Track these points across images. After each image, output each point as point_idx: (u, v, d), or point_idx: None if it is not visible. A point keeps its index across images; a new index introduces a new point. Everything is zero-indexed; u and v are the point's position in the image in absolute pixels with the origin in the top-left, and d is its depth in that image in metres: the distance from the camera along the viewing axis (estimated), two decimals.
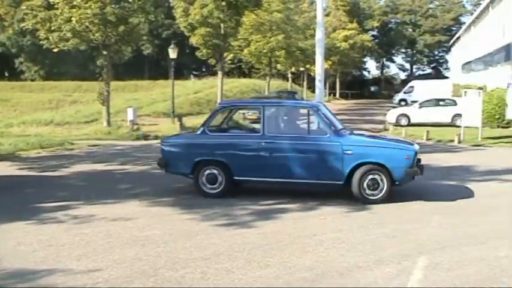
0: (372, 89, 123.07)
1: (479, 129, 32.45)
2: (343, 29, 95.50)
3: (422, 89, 63.92)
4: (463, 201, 15.00)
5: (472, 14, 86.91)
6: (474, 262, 9.69)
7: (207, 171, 15.27)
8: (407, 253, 10.14)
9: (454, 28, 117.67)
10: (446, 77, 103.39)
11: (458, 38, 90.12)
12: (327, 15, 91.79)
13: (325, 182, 14.90)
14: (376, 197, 14.48)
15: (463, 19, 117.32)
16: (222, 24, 44.80)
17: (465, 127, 32.93)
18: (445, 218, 13.01)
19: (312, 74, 65.13)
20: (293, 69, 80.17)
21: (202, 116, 49.72)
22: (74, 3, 34.67)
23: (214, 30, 44.47)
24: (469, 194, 15.83)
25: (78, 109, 52.55)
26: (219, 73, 47.78)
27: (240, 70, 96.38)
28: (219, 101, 46.35)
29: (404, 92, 73.86)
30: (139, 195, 15.40)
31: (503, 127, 38.48)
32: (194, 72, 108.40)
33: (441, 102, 45.22)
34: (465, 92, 34.83)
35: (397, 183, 14.65)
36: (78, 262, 9.55)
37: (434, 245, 10.71)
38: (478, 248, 10.54)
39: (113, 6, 35.46)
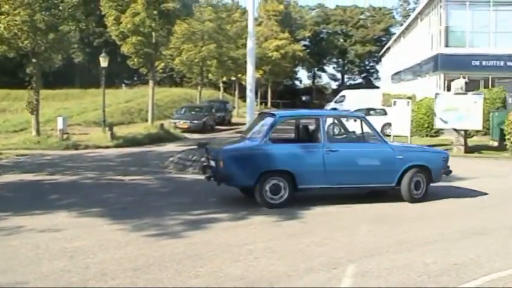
0: (304, 98, 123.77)
1: (409, 138, 32.97)
2: (275, 38, 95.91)
3: (353, 99, 64.58)
4: (393, 208, 15.25)
5: (401, 25, 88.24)
6: (402, 269, 9.83)
7: (272, 182, 15.14)
8: (337, 261, 10.23)
9: (384, 39, 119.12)
10: (377, 87, 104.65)
11: (389, 48, 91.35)
12: (259, 24, 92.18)
13: (383, 185, 16.41)
14: (419, 196, 16.21)
15: (393, 30, 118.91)
16: (153, 33, 44.64)
17: (395, 136, 33.35)
18: (374, 225, 13.19)
19: (243, 83, 65.20)
20: (225, 79, 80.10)
21: (133, 125, 49.57)
22: (2, 9, 34.09)
23: (145, 39, 44.22)
24: (398, 201, 16.04)
25: (6, 118, 51.68)
26: (150, 82, 47.54)
27: (171, 79, 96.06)
28: (150, 111, 46.21)
29: (336, 102, 74.38)
30: (69, 206, 15.16)
31: (432, 136, 39.20)
32: (125, 81, 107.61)
33: (371, 112, 45.69)
34: (394, 101, 35.39)
35: (433, 183, 16.62)
36: (4, 275, 9.36)
37: (364, 252, 10.84)
38: (406, 255, 10.71)
39: (43, 13, 34.97)
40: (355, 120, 17.39)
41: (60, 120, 39.27)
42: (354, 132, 17.75)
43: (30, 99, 37.00)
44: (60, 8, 35.96)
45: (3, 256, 10.45)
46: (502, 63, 45.13)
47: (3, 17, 33.98)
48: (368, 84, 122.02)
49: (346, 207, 15.27)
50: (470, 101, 30.76)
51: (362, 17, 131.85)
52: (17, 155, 29.94)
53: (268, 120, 16.35)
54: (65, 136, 36.44)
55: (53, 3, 35.90)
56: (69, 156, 29.76)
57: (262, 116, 18.14)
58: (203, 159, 18.84)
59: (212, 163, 15.96)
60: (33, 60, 36.32)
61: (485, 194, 17.91)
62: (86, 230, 12.47)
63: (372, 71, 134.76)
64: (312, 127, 16.87)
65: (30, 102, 36.89)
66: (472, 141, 34.11)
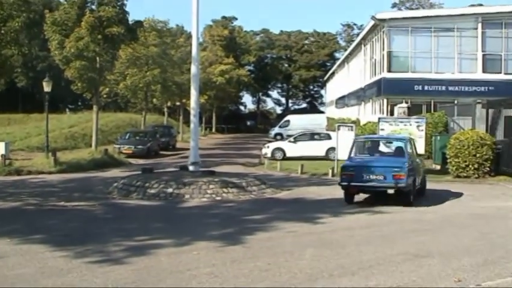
0: (248, 123, 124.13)
1: None
2: (220, 63, 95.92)
3: (298, 123, 65.07)
4: (336, 233, 15.36)
5: (345, 50, 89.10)
6: None
7: None
8: (281, 286, 10.29)
9: (328, 64, 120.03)
10: (322, 112, 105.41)
11: (333, 73, 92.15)
12: (204, 49, 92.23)
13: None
14: None
15: (337, 55, 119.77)
16: (97, 58, 44.33)
17: (339, 160, 33.60)
18: (318, 250, 13.23)
19: (188, 108, 65.15)
20: (169, 104, 79.97)
21: (77, 150, 49.10)
22: None
23: (89, 63, 43.87)
24: (342, 226, 16.19)
25: None
26: (95, 107, 47.20)
27: (116, 104, 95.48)
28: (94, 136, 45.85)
29: (280, 126, 74.89)
30: (10, 233, 14.98)
31: None
32: (70, 106, 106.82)
33: (316, 136, 46.07)
34: (338, 126, 35.69)
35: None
36: None
37: (307, 276, 10.92)
38: (349, 279, 10.82)
39: None
40: (413, 141, 24.80)
41: (2, 145, 38.77)
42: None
43: None
44: (3, 31, 35.60)
45: None
46: (443, 88, 45.80)
47: None
48: (313, 109, 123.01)
49: (289, 232, 15.36)
50: (413, 125, 31.23)
51: (306, 42, 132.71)
52: None
53: None
54: (7, 162, 35.93)
55: None
56: (12, 182, 29.37)
57: None
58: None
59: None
60: None
61: (426, 217, 18.17)
62: (28, 257, 12.35)
63: (316, 95, 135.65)
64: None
65: None
66: None
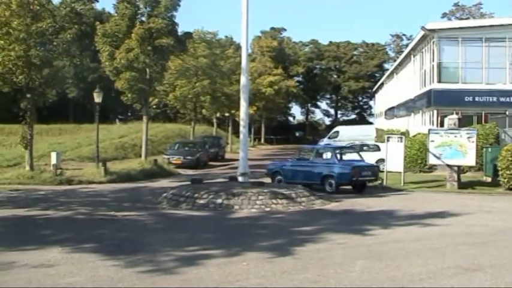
0: (297, 134, 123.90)
1: (402, 174, 33.03)
2: (269, 74, 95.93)
3: (347, 134, 64.70)
4: (385, 245, 15.20)
5: (395, 61, 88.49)
6: None
7: None
8: None
9: (377, 74, 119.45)
10: (371, 123, 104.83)
11: (382, 84, 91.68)
12: (253, 60, 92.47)
13: None
14: None
15: (386, 66, 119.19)
16: (147, 69, 44.65)
17: (388, 172, 33.43)
18: (368, 262, 13.11)
19: (237, 119, 65.23)
20: (218, 115, 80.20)
21: (127, 160, 49.49)
22: None
23: (139, 74, 44.22)
24: (391, 238, 16.05)
25: (0, 152, 51.62)
26: (144, 118, 47.50)
27: (165, 115, 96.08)
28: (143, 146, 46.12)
29: (329, 137, 74.51)
30: (62, 242, 15.13)
31: (425, 172, 39.22)
32: (120, 117, 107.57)
33: (365, 147, 45.74)
34: (388, 137, 35.45)
35: None
36: None
37: None
38: None
39: (38, 48, 35.18)
40: None
41: (54, 155, 39.32)
42: None
43: (24, 134, 36.97)
44: (55, 43, 36.12)
45: None
46: (494, 99, 45.25)
47: None
48: (361, 120, 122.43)
49: (339, 243, 15.26)
50: (464, 137, 30.92)
51: (355, 53, 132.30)
52: (10, 190, 29.94)
53: None
54: (58, 171, 36.37)
55: (48, 39, 36.04)
56: (63, 192, 29.73)
57: None
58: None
59: None
60: (28, 95, 36.36)
61: (477, 230, 17.92)
62: (79, 266, 12.44)
63: (365, 106, 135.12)
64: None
65: (24, 137, 36.87)
66: (466, 176, 34.15)
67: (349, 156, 33.36)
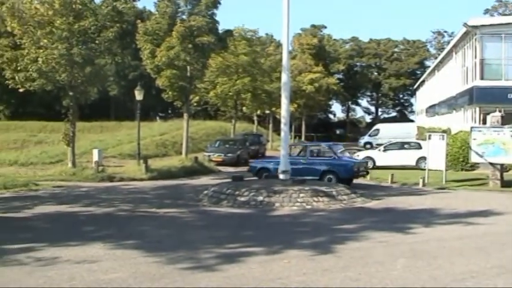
0: (338, 131, 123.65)
1: (444, 172, 32.73)
2: (309, 72, 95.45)
3: (388, 132, 64.43)
4: (427, 244, 15.08)
5: (436, 58, 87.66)
6: None
7: None
8: None
9: (418, 72, 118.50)
10: (411, 120, 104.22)
11: (423, 81, 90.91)
12: (293, 58, 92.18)
13: None
14: None
15: (427, 63, 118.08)
16: (188, 67, 44.78)
17: (430, 170, 33.18)
18: (409, 260, 13.03)
19: (278, 116, 65.07)
20: (259, 112, 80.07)
21: (168, 158, 49.69)
22: (41, 43, 34.58)
23: (180, 72, 44.35)
24: (434, 236, 15.92)
25: (43, 149, 52.01)
26: (185, 115, 47.67)
27: (206, 112, 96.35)
28: (184, 143, 46.27)
29: (370, 135, 74.32)
30: (104, 238, 15.26)
31: (467, 170, 38.81)
32: (160, 114, 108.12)
33: (406, 146, 45.49)
34: (429, 135, 35.19)
35: None
36: None
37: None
38: None
39: (80, 47, 35.46)
40: None
41: (95, 152, 39.62)
42: None
43: (66, 131, 37.35)
44: (97, 42, 36.37)
45: (39, 287, 10.52)
46: None
47: (41, 51, 34.47)
48: (402, 117, 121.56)
49: (380, 242, 15.18)
50: (507, 134, 30.56)
51: (396, 50, 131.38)
52: (53, 186, 30.21)
53: None
54: (100, 168, 36.65)
55: (90, 38, 36.32)
56: (104, 188, 29.95)
57: None
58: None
59: None
60: (70, 93, 36.74)
61: None
62: (121, 262, 12.54)
63: (406, 104, 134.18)
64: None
65: (66, 134, 37.25)
66: (509, 175, 33.73)
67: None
